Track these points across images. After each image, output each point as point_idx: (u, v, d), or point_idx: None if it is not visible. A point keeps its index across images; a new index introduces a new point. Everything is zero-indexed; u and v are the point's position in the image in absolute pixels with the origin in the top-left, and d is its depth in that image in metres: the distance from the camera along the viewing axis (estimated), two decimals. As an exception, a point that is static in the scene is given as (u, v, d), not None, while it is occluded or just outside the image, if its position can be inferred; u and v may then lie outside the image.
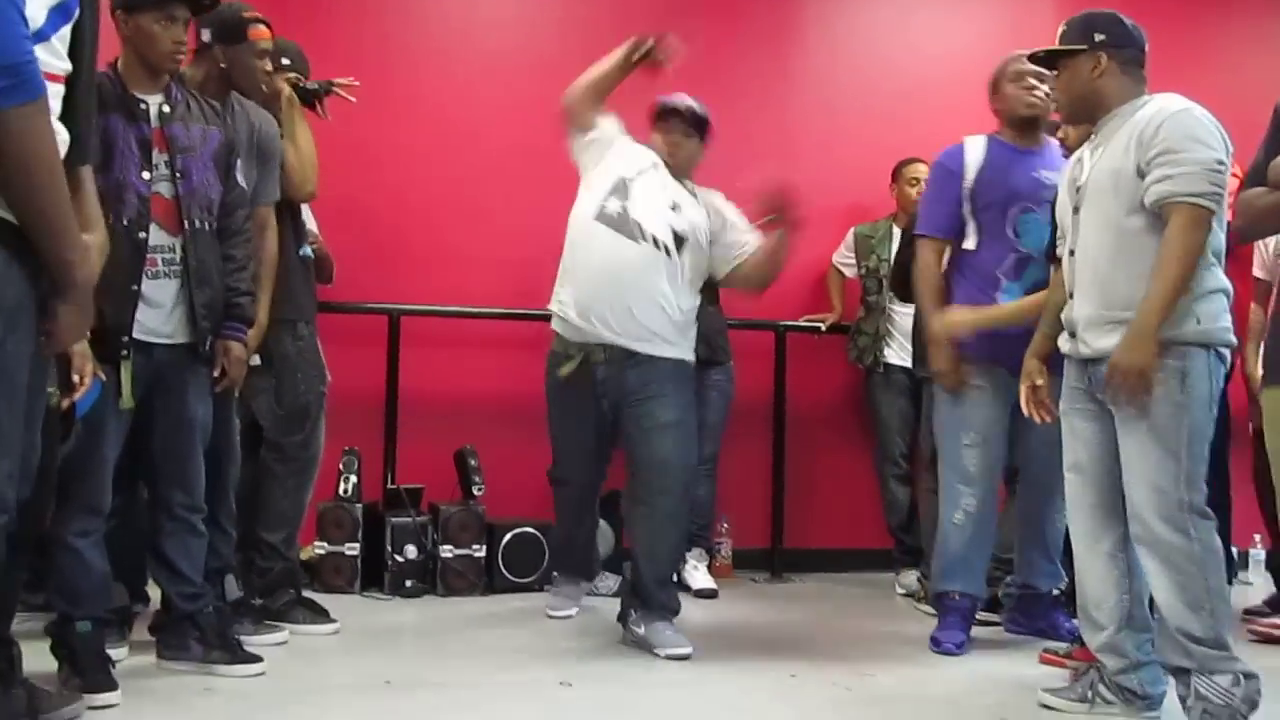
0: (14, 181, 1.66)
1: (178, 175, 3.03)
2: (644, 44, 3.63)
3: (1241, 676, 2.72)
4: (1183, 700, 2.81)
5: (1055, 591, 3.93)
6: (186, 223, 3.04)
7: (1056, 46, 3.03)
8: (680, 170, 3.76)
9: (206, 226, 3.10)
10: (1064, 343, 3.04)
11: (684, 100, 3.79)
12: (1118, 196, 2.86)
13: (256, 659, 3.18)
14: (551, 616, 4.00)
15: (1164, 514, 2.75)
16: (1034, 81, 3.77)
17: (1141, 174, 2.80)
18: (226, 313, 3.17)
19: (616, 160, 3.71)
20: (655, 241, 3.58)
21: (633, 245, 3.57)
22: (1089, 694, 2.99)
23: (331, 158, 4.49)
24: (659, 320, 3.59)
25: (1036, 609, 3.94)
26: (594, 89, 3.73)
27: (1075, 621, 3.76)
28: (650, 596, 3.64)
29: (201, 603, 3.18)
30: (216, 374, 3.17)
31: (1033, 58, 3.14)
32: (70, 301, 1.83)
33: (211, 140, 3.15)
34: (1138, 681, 2.95)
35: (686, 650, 3.51)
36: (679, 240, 3.62)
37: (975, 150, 3.84)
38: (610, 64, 3.70)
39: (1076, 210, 2.98)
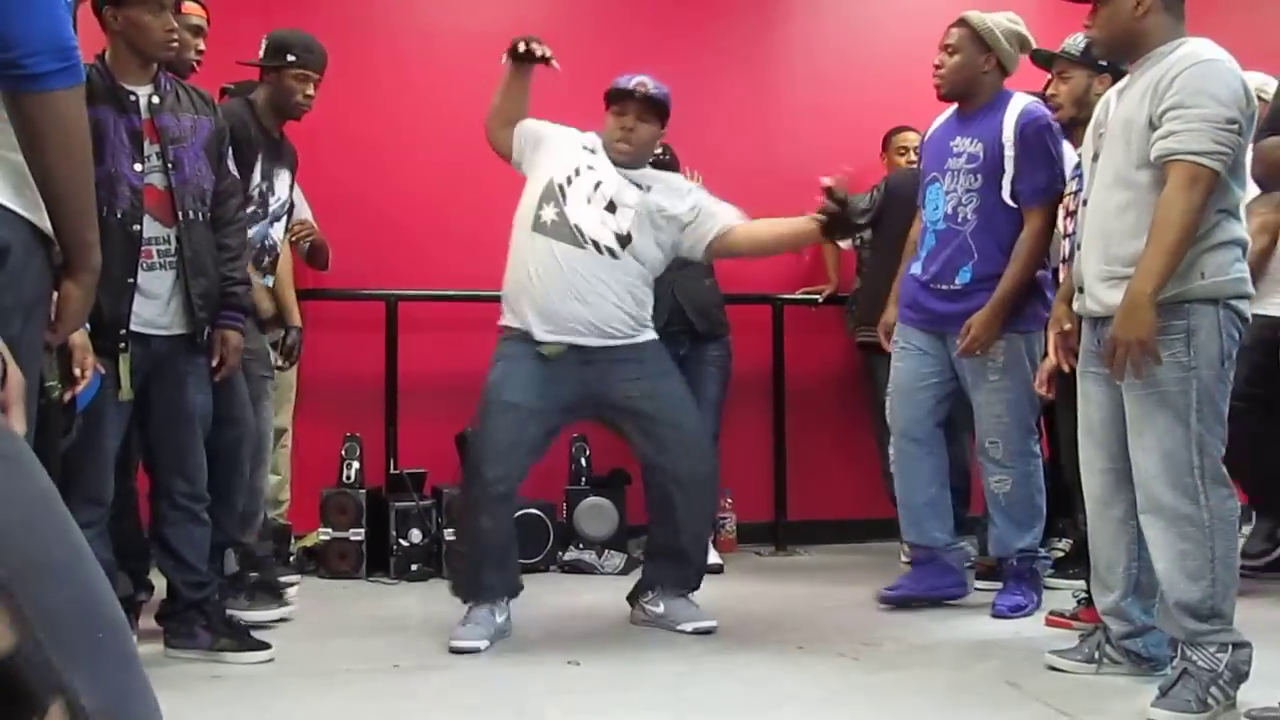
0: (55, 161, 1.69)
1: (170, 166, 3.03)
2: (516, 46, 3.51)
3: (1231, 645, 2.66)
4: (1170, 659, 2.82)
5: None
6: (180, 213, 3.04)
7: None
8: (636, 157, 3.57)
9: (200, 217, 3.10)
10: (1074, 301, 2.95)
11: (638, 81, 3.56)
12: (1128, 148, 2.73)
13: (264, 645, 3.19)
14: (457, 650, 3.29)
15: (1173, 480, 2.65)
16: (943, 57, 3.79)
17: (1154, 126, 2.66)
18: (223, 301, 3.18)
19: (546, 159, 3.55)
20: (597, 246, 3.45)
21: (578, 250, 3.43)
22: (1096, 655, 3.00)
23: (323, 146, 4.50)
24: (618, 319, 3.47)
25: (932, 568, 3.94)
26: (496, 112, 3.61)
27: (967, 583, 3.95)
28: (690, 575, 3.66)
29: (207, 590, 3.20)
30: (215, 363, 3.19)
31: None
32: (83, 285, 1.85)
33: (202, 129, 3.15)
34: (1143, 645, 2.96)
35: (713, 624, 3.54)
36: (623, 240, 3.47)
37: (937, 122, 3.96)
38: (503, 79, 3.60)
39: (1096, 157, 2.87)
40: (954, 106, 3.86)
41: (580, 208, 3.47)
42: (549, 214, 3.47)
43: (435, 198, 5.04)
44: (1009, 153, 3.65)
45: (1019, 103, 3.72)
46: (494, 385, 3.47)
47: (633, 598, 3.73)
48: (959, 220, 3.73)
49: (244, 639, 3.20)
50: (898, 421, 3.91)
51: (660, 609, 3.62)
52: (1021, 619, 3.68)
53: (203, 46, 3.56)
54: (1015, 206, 3.67)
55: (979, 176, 3.69)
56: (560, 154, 3.55)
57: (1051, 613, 3.60)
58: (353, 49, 4.96)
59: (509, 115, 3.60)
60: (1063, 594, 3.82)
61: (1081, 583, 3.65)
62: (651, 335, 3.60)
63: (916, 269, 3.86)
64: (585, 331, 3.44)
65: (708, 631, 3.52)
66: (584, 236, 3.44)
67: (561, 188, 3.49)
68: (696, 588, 3.68)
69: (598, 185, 3.50)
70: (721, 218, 3.61)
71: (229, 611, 3.37)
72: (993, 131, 3.69)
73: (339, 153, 4.79)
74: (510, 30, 5.16)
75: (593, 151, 3.56)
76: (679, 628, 3.54)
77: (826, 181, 3.30)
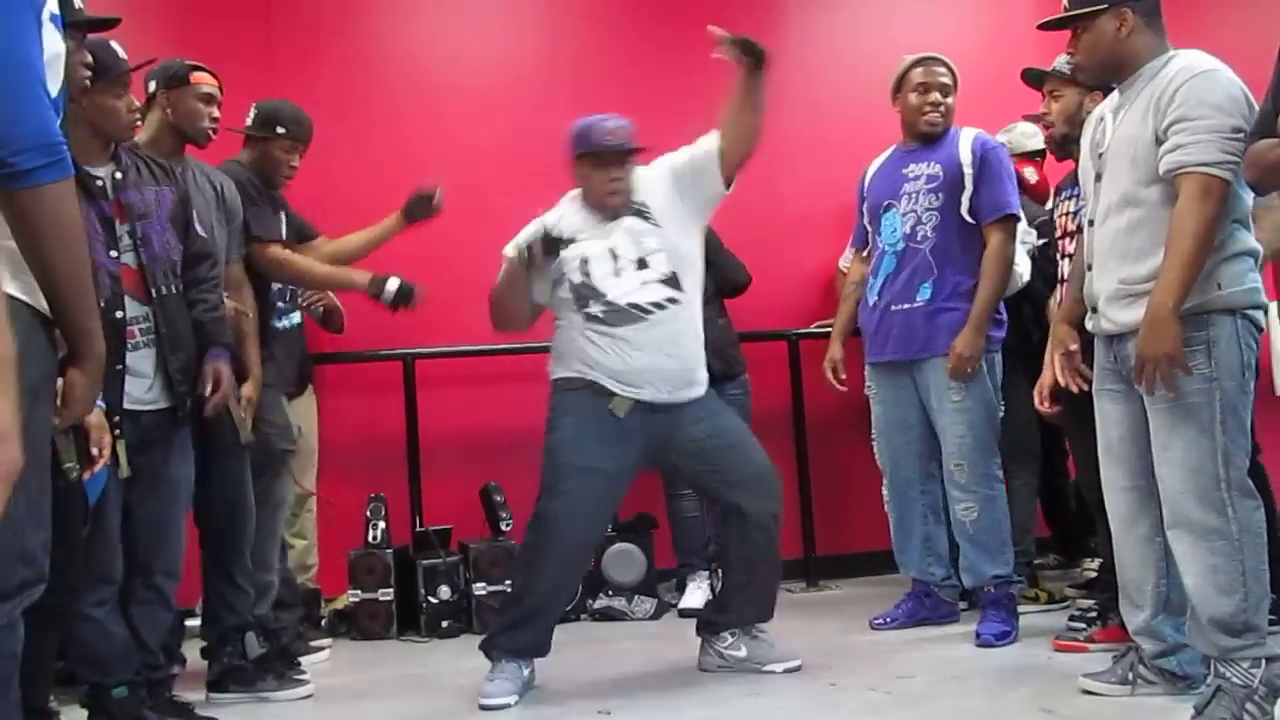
0: (52, 253, 1.74)
1: (138, 243, 3.01)
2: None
3: (1265, 660, 2.61)
4: (1204, 677, 2.77)
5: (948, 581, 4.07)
6: (153, 290, 3.01)
7: (1074, 11, 2.83)
8: (630, 198, 3.43)
9: (173, 290, 3.08)
10: (1088, 321, 2.93)
11: (610, 130, 3.41)
12: (1134, 166, 2.72)
13: None
14: (487, 706, 3.27)
15: (1200, 494, 2.62)
16: (938, 96, 3.91)
17: (1159, 141, 2.65)
18: (200, 343, 3.13)
19: (552, 277, 3.45)
20: (658, 305, 3.36)
21: (643, 322, 3.34)
22: (1130, 676, 2.96)
23: (330, 209, 4.55)
24: (696, 356, 3.45)
25: (928, 601, 4.08)
26: (511, 318, 3.61)
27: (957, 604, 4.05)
28: (766, 610, 3.58)
29: (159, 674, 3.13)
30: (209, 391, 3.12)
31: (1047, 24, 2.91)
32: (88, 372, 1.88)
33: (165, 200, 3.12)
34: (1177, 663, 2.92)
35: (797, 663, 3.50)
36: (672, 283, 3.39)
37: (876, 162, 4.11)
38: (507, 282, 3.53)
39: (1099, 178, 2.85)
40: (891, 148, 4.07)
41: (617, 285, 3.36)
42: (596, 309, 3.36)
43: (444, 254, 5.05)
44: (968, 172, 3.83)
45: (970, 130, 3.92)
46: (566, 445, 3.35)
47: (707, 642, 3.60)
48: (918, 239, 3.87)
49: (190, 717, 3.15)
50: (886, 463, 4.05)
51: (742, 652, 3.53)
52: (1007, 644, 3.67)
53: (217, 114, 3.55)
54: (972, 224, 3.83)
55: (940, 195, 3.85)
56: (568, 258, 3.40)
57: (1058, 637, 3.56)
58: (357, 112, 5.03)
59: (523, 313, 3.59)
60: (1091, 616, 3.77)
61: (1090, 601, 3.63)
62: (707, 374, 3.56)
63: (873, 297, 3.98)
64: (664, 386, 3.37)
65: (795, 670, 3.47)
66: (642, 309, 3.35)
67: (588, 285, 3.38)
68: (771, 616, 3.59)
69: (614, 255, 3.40)
70: (710, 135, 3.49)
71: (260, 693, 3.40)
72: (950, 154, 3.88)
73: (346, 216, 4.81)
74: (510, 91, 5.28)
75: (574, 238, 3.41)
76: (766, 669, 3.48)
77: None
